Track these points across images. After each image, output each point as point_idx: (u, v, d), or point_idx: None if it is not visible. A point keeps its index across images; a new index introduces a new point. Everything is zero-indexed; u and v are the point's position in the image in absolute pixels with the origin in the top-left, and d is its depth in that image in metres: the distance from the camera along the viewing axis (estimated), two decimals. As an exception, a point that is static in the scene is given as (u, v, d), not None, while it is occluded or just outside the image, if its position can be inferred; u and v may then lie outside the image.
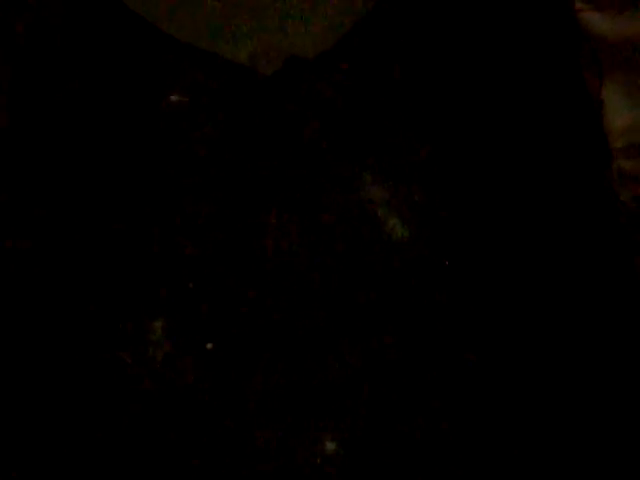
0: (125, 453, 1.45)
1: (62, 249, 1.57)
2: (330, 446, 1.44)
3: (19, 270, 1.55)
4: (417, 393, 1.47)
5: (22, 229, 1.58)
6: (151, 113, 1.69)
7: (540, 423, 1.45)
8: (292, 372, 1.49)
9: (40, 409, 1.47)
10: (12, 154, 1.63)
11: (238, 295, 1.54)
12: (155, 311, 1.53)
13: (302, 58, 1.71)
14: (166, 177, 1.64)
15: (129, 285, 1.54)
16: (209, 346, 1.51)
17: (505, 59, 1.62)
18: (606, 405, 1.44)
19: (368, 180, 1.63)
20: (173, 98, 1.71)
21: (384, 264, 1.56)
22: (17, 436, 1.46)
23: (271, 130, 1.69)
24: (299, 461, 1.43)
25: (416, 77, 1.69)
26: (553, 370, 1.47)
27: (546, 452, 1.43)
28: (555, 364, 1.47)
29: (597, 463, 1.41)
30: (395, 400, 1.47)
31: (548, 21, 1.58)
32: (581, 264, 1.47)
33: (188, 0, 1.73)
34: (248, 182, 1.64)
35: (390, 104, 1.70)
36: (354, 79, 1.72)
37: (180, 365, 1.49)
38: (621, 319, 1.43)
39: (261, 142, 1.67)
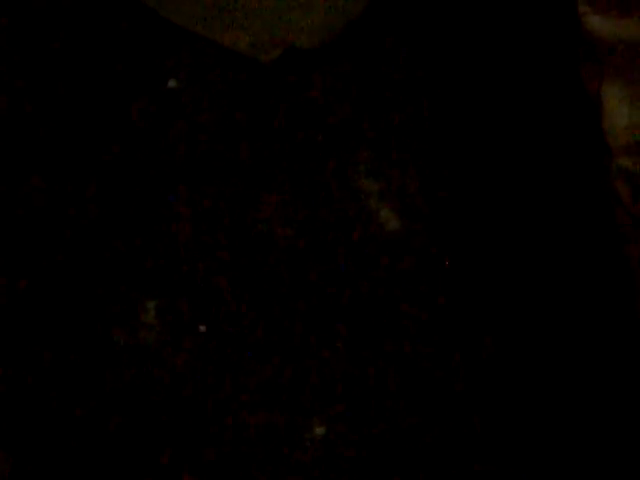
0: (117, 433, 1.45)
1: (57, 230, 1.57)
2: (319, 430, 1.46)
3: (15, 251, 1.55)
4: (407, 382, 1.49)
5: (19, 209, 1.58)
6: (149, 98, 1.70)
7: (536, 419, 1.47)
8: (284, 357, 1.50)
9: (31, 389, 1.48)
10: (12, 139, 1.64)
11: (232, 279, 1.55)
12: (148, 293, 1.54)
13: (301, 49, 1.73)
14: (163, 162, 1.65)
15: (123, 267, 1.55)
16: (202, 328, 1.52)
17: (505, 57, 1.64)
18: (600, 401, 1.46)
19: (362, 173, 1.65)
20: (171, 84, 1.72)
21: (377, 255, 1.58)
22: (8, 414, 1.46)
23: (268, 120, 1.70)
24: (289, 444, 1.44)
25: (413, 72, 1.71)
26: (551, 360, 1.49)
27: (545, 448, 1.45)
28: (550, 355, 1.50)
29: (597, 462, 1.43)
30: (384, 387, 1.49)
31: (549, 22, 1.61)
32: (576, 261, 1.50)
33: (190, -13, 1.75)
34: (242, 170, 1.65)
35: (386, 99, 1.72)
36: (351, 73, 1.74)
37: (173, 347, 1.50)
38: (614, 314, 1.45)
39: (257, 131, 1.69)
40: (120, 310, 1.52)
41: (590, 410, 1.44)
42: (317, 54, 1.74)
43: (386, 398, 1.47)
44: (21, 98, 1.68)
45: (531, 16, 1.62)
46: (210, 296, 1.54)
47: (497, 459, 1.45)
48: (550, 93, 1.58)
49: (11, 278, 1.53)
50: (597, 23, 1.35)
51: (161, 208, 1.61)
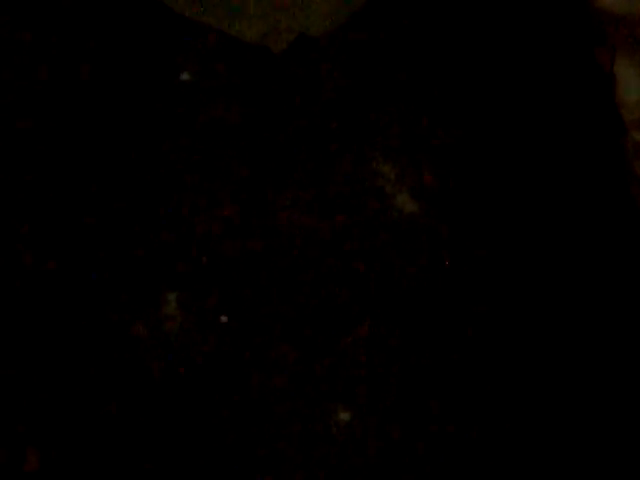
0: (140, 424, 1.46)
1: (80, 223, 1.58)
2: (344, 416, 1.46)
3: (38, 245, 1.56)
4: (426, 367, 1.49)
5: (41, 202, 1.59)
6: (163, 91, 1.70)
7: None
8: (307, 344, 1.50)
9: (57, 387, 1.48)
10: (29, 134, 1.64)
11: (252, 268, 1.55)
12: (170, 285, 1.54)
13: (310, 37, 1.73)
14: (180, 154, 1.65)
15: (144, 260, 1.56)
16: (224, 319, 1.53)
17: (515, 38, 1.64)
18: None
19: (378, 158, 1.65)
20: (184, 76, 1.72)
21: (394, 238, 1.59)
22: (36, 413, 1.47)
23: (280, 109, 1.70)
24: (313, 429, 1.45)
25: (424, 56, 1.71)
26: (562, 348, 1.49)
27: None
28: (562, 340, 1.50)
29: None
30: (405, 372, 1.49)
31: (560, 1, 1.61)
32: (592, 240, 1.49)
33: (199, -21, 1.75)
34: (258, 160, 1.66)
35: (399, 84, 1.72)
36: (362, 59, 1.74)
37: (195, 337, 1.51)
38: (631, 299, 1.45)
39: (270, 121, 1.69)
40: (142, 303, 1.53)
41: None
42: (326, 43, 1.74)
43: (409, 383, 1.47)
44: (37, 91, 1.69)
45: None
46: (230, 286, 1.55)
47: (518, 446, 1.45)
48: (563, 73, 1.57)
49: (34, 277, 1.54)
50: (607, -2, 1.34)
51: (178, 200, 1.61)
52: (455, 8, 1.71)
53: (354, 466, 1.44)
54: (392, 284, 1.56)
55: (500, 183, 1.62)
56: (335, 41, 1.76)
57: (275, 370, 1.49)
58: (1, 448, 1.43)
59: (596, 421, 1.45)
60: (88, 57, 1.72)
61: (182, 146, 1.66)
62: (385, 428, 1.46)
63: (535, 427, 1.46)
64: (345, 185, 1.64)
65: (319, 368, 1.49)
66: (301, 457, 1.43)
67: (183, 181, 1.64)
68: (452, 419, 1.47)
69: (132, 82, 1.71)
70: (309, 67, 1.74)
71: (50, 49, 1.73)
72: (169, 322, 1.52)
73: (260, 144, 1.68)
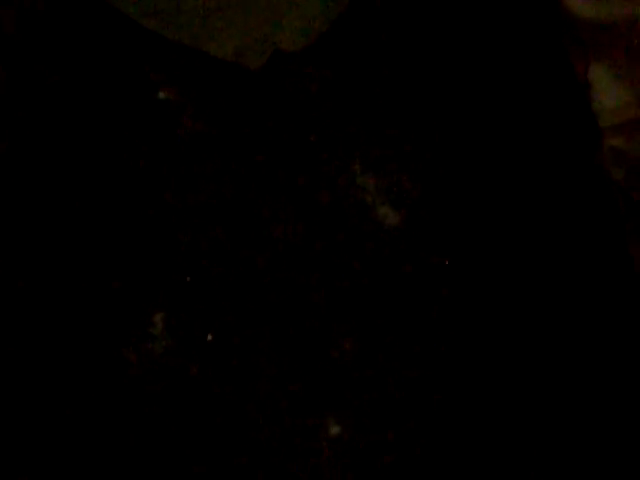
0: (128, 448, 1.46)
1: (58, 246, 1.58)
2: (334, 430, 1.47)
3: (18, 268, 1.56)
4: (416, 377, 1.50)
5: (21, 227, 1.59)
6: (139, 111, 1.70)
7: (538, 422, 1.47)
8: (293, 359, 1.51)
9: (40, 407, 1.48)
10: (6, 155, 1.64)
11: (236, 285, 1.56)
12: (155, 305, 1.55)
13: (287, 52, 1.74)
14: (158, 174, 1.65)
15: (127, 280, 1.56)
16: (209, 337, 1.53)
17: (489, 46, 1.65)
18: (604, 401, 1.46)
19: (358, 170, 1.66)
20: (161, 95, 1.72)
21: (376, 251, 1.59)
22: (18, 436, 1.47)
23: (259, 125, 1.71)
24: (304, 445, 1.45)
25: (402, 67, 1.72)
26: (551, 358, 1.50)
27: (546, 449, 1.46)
28: (551, 352, 1.50)
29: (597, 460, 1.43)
30: (394, 383, 1.50)
31: (531, 6, 1.62)
32: (575, 249, 1.51)
33: (173, -2, 1.75)
34: (239, 176, 1.66)
35: (376, 95, 1.72)
36: (339, 72, 1.74)
37: (182, 357, 1.51)
38: (615, 305, 1.46)
39: (249, 137, 1.69)
40: (128, 326, 1.53)
41: (593, 413, 1.44)
42: (304, 55, 1.74)
43: (398, 394, 1.48)
44: (10, 110, 1.69)
45: (516, 4, 1.62)
46: (215, 303, 1.55)
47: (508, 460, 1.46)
48: (540, 79, 1.58)
49: (13, 308, 1.54)
50: (578, 4, 1.35)
51: (158, 219, 1.62)
52: (435, 19, 1.72)
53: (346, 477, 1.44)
54: (377, 296, 1.56)
55: (482, 190, 1.63)
56: (312, 54, 1.76)
57: (263, 386, 1.49)
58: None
59: (595, 419, 1.46)
60: (57, 86, 1.72)
61: (162, 166, 1.67)
62: (377, 438, 1.47)
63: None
64: (325, 199, 1.65)
65: (306, 381, 1.50)
66: (292, 475, 1.43)
67: (164, 199, 1.64)
68: (447, 425, 1.47)
69: (106, 102, 1.70)
70: (286, 82, 1.75)
71: (17, 74, 1.73)
72: (155, 343, 1.52)
73: (240, 161, 1.68)
